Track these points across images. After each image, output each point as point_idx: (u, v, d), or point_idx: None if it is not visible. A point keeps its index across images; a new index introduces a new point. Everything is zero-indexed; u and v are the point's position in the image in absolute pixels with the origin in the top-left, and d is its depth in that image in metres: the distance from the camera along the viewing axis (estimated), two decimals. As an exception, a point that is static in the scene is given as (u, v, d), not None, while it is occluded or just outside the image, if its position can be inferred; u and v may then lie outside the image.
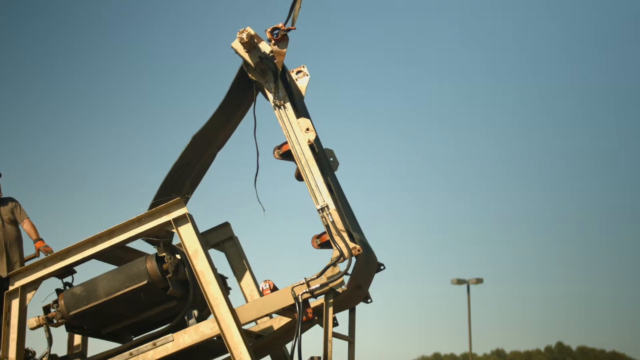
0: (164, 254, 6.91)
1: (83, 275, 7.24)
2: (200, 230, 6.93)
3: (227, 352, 6.70)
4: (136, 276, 6.88)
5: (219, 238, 8.15)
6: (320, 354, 6.55)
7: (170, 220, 6.77)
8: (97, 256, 7.13)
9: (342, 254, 6.52)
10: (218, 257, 8.04)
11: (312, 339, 7.03)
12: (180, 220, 6.77)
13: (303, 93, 7.37)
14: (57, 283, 7.22)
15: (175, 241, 7.07)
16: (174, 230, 6.76)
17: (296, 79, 7.38)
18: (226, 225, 8.19)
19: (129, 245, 7.20)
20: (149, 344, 6.84)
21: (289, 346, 7.15)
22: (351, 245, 6.56)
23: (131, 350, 6.90)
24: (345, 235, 6.59)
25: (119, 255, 7.47)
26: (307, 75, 7.41)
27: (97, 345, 7.66)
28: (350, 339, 7.36)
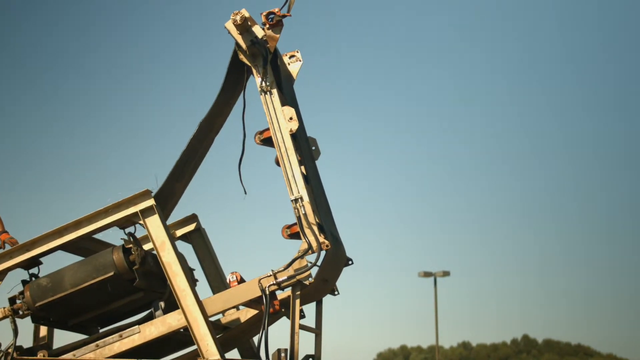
0: (130, 245, 6.89)
1: (49, 266, 7.20)
2: (168, 222, 6.90)
3: (194, 344, 6.70)
4: (103, 267, 6.84)
5: (186, 230, 8.13)
6: (287, 346, 6.57)
7: (137, 212, 6.74)
8: (64, 247, 7.08)
9: (310, 246, 6.52)
10: (185, 249, 8.03)
11: (279, 332, 7.05)
12: (147, 212, 6.74)
13: (294, 77, 7.33)
14: (23, 274, 7.18)
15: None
16: (141, 222, 6.74)
17: (288, 64, 7.35)
18: (193, 217, 8.18)
19: (96, 236, 7.17)
20: (115, 336, 6.81)
21: (256, 339, 7.16)
22: (321, 239, 6.55)
23: (97, 342, 6.86)
24: (315, 228, 6.57)
25: (85, 246, 7.43)
26: (300, 60, 7.36)
27: (63, 337, 7.63)
28: (317, 331, 7.38)
